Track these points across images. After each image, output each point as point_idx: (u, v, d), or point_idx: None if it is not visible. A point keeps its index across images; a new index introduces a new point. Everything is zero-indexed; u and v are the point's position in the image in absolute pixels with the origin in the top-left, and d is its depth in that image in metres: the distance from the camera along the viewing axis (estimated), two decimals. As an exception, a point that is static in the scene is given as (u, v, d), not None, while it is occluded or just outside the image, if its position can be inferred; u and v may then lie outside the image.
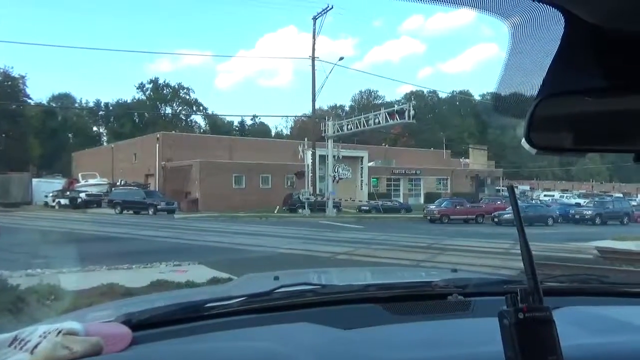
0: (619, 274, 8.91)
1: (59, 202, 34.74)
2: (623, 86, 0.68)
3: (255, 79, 74.61)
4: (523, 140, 0.74)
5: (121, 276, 8.20)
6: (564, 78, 0.69)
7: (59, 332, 0.96)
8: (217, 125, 51.42)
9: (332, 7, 25.32)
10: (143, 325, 1.18)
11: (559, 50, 0.67)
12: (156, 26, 69.85)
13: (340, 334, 1.20)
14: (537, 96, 0.71)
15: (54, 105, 48.00)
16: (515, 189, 1.04)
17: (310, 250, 13.22)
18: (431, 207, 31.28)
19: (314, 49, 26.11)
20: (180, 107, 51.56)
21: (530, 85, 0.72)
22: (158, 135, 40.06)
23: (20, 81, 41.20)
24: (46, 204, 35.59)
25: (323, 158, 32.99)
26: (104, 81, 71.00)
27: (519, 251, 0.90)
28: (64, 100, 49.90)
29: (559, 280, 1.61)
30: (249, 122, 52.43)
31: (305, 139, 34.40)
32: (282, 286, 1.43)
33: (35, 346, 0.95)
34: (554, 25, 0.65)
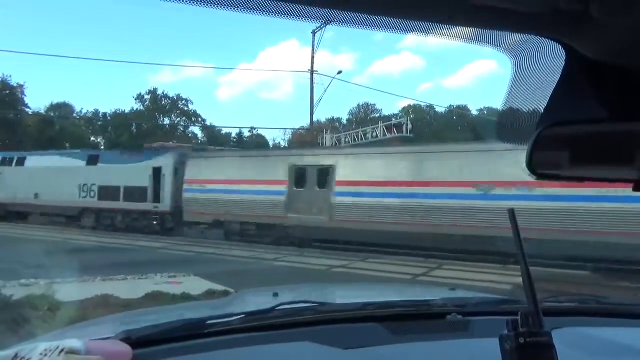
0: (616, 291, 8.95)
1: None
2: (622, 117, 0.70)
3: (256, 91, 75.01)
4: (524, 166, 0.76)
5: (116, 288, 8.14)
6: (565, 108, 0.71)
7: (61, 350, 0.96)
8: (215, 136, 51.52)
9: (331, 22, 25.52)
10: (143, 343, 1.18)
11: (560, 81, 0.69)
12: (159, 38, 70.32)
13: (340, 353, 1.20)
14: (538, 125, 0.73)
15: (52, 114, 47.98)
16: None
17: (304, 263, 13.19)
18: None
19: (312, 63, 26.31)
20: (179, 119, 51.65)
21: (532, 114, 0.74)
22: (155, 146, 40.03)
23: (19, 90, 41.27)
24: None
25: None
26: (103, 91, 71.11)
27: None
28: (62, 109, 49.86)
29: (558, 300, 1.61)
30: (247, 133, 52.51)
31: (303, 152, 34.49)
32: (281, 304, 1.43)
33: None
34: (554, 58, 0.67)
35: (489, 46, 0.65)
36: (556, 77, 0.69)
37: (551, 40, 0.64)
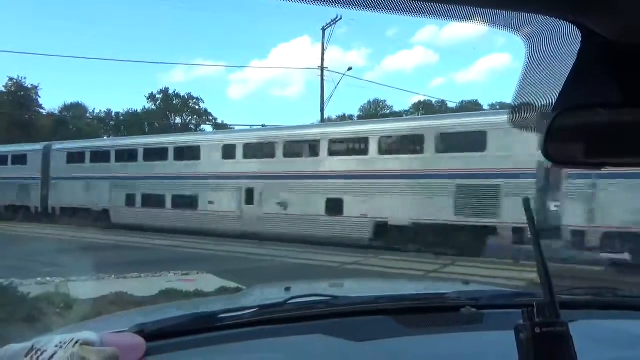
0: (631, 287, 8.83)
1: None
2: (639, 100, 0.68)
3: (267, 89, 74.91)
4: (540, 152, 0.74)
5: (130, 285, 8.23)
6: (581, 92, 0.69)
7: (76, 342, 0.97)
8: (226, 134, 51.76)
9: (341, 18, 25.45)
10: (157, 336, 1.19)
11: (575, 64, 0.67)
12: (170, 37, 70.71)
13: (352, 346, 1.20)
14: (554, 110, 0.71)
15: (65, 115, 48.60)
16: None
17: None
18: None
19: (322, 59, 26.21)
20: (190, 117, 51.93)
21: (547, 99, 0.72)
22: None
23: (33, 91, 41.82)
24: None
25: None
26: (115, 91, 71.98)
27: None
28: (75, 109, 50.45)
29: (573, 293, 1.59)
30: (257, 131, 52.54)
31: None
32: (293, 297, 1.43)
33: (52, 356, 0.96)
34: (570, 41, 0.65)
35: (504, 29, 0.64)
36: (572, 61, 0.68)
37: (567, 22, 0.63)
